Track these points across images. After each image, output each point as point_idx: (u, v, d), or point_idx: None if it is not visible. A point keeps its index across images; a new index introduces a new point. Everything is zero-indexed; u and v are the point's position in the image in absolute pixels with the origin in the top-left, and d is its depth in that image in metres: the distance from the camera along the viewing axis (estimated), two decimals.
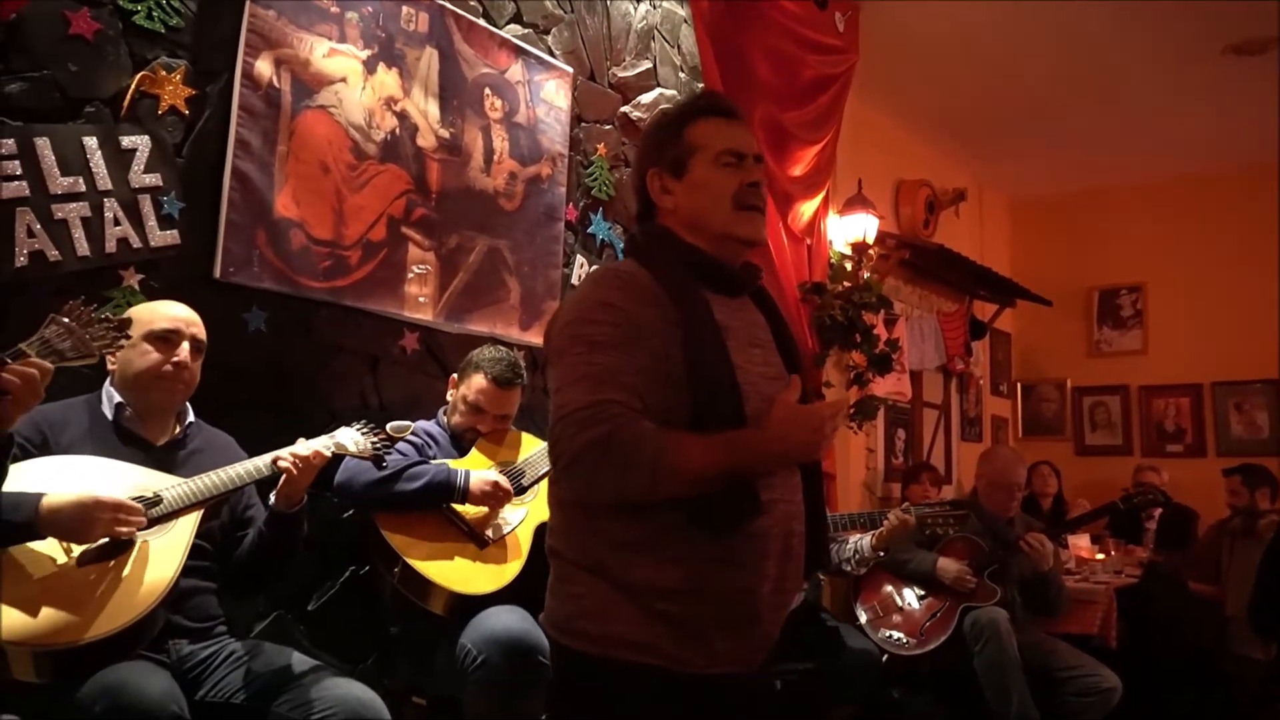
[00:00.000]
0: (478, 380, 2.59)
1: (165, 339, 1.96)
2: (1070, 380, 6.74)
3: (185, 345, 1.98)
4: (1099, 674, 3.38)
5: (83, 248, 2.18)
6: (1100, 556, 4.66)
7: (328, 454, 2.06)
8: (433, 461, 2.49)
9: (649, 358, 1.34)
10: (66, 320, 1.57)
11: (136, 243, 2.27)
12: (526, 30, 3.32)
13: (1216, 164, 6.05)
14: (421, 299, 2.91)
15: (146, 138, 2.30)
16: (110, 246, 2.23)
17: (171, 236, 2.34)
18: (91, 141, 2.21)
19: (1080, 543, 4.74)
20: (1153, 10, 4.28)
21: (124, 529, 1.70)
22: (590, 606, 1.37)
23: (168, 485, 1.86)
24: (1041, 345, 6.84)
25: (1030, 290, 6.09)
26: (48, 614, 1.63)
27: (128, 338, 1.71)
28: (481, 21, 3.14)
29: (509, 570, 2.40)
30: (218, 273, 2.41)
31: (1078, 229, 6.76)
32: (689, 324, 1.37)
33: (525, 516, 2.52)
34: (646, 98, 3.79)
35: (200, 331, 2.02)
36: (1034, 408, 6.89)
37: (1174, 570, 4.64)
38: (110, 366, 1.96)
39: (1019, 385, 6.94)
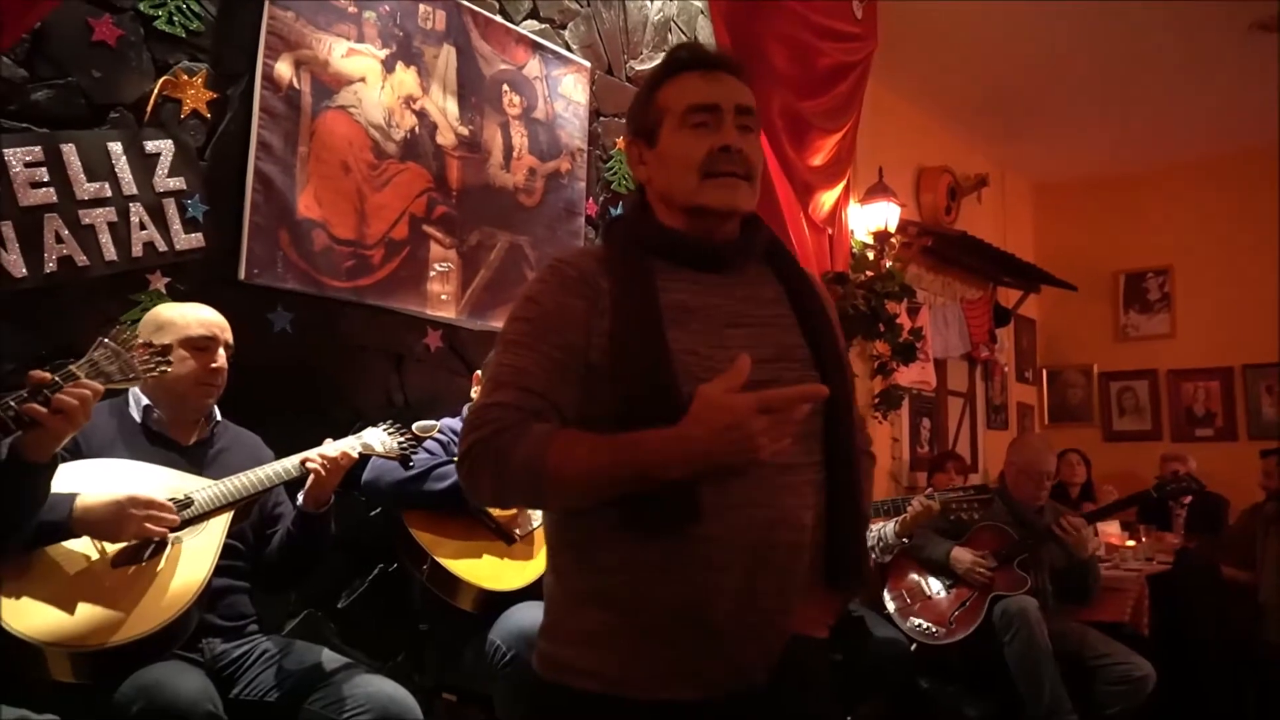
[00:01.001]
0: None
1: (202, 346, 1.98)
2: (1097, 366, 6.68)
3: (221, 352, 2.01)
4: (1131, 662, 3.35)
5: (110, 252, 2.20)
6: (1130, 543, 4.62)
7: (355, 455, 2.08)
8: None
9: (564, 353, 1.21)
10: (113, 344, 1.64)
11: (162, 246, 2.29)
12: (543, 25, 3.32)
13: (1243, 142, 5.96)
14: (444, 296, 2.92)
15: (170, 142, 2.32)
16: (137, 250, 2.25)
17: (196, 239, 2.36)
18: (116, 147, 2.23)
19: (1110, 529, 4.69)
20: None
21: (156, 528, 1.73)
22: (548, 622, 1.28)
23: (199, 487, 1.88)
24: (1067, 331, 6.77)
25: (1055, 276, 6.03)
26: (84, 615, 1.65)
27: (169, 364, 1.77)
28: (498, 18, 3.14)
29: (536, 567, 2.41)
30: (242, 274, 2.42)
31: (1102, 212, 6.69)
32: (617, 305, 1.22)
33: None
34: None
35: (230, 335, 2.05)
36: (1060, 394, 6.83)
37: (1206, 556, 4.59)
38: None
39: (1044, 372, 6.89)
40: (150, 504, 1.73)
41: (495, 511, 2.45)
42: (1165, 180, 6.42)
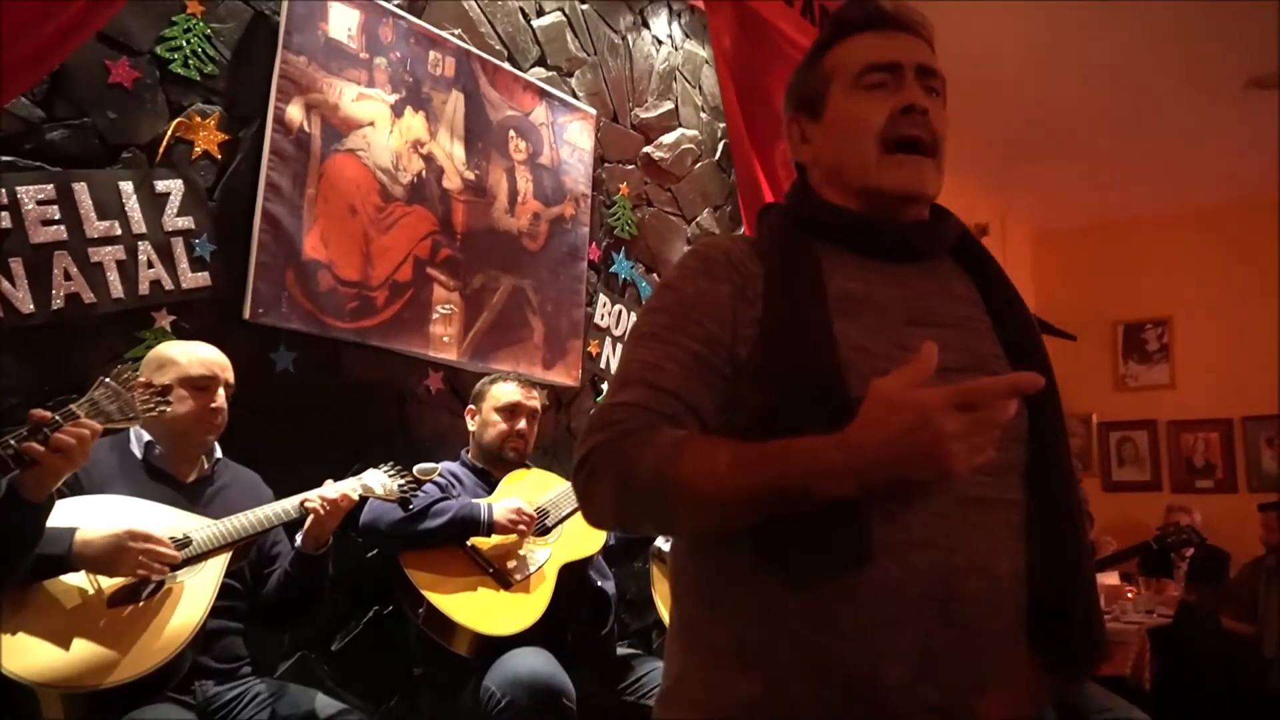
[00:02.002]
0: (499, 388, 2.70)
1: (202, 386, 1.99)
2: (1096, 415, 6.67)
3: (221, 391, 2.02)
4: (1132, 717, 3.31)
5: (117, 290, 2.22)
6: (1130, 594, 4.59)
7: (355, 497, 2.08)
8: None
9: (705, 346, 1.01)
10: (113, 383, 1.65)
11: (169, 284, 2.31)
12: (550, 73, 3.37)
13: (1242, 193, 6.01)
14: (446, 338, 2.93)
15: (180, 182, 2.35)
16: (144, 288, 2.27)
17: (203, 278, 2.37)
18: (128, 186, 2.25)
19: (1109, 580, 4.67)
20: (1172, 44, 4.30)
21: (155, 565, 1.72)
22: (669, 687, 1.05)
23: (198, 526, 1.88)
24: (1066, 379, 6.52)
25: (1054, 325, 6.05)
26: (79, 655, 1.64)
27: (169, 403, 1.79)
28: (507, 65, 3.19)
29: (533, 611, 2.40)
30: (247, 313, 2.44)
31: (1101, 261, 6.73)
32: (770, 289, 1.02)
33: (550, 556, 2.52)
34: (668, 138, 3.84)
35: (230, 374, 2.06)
36: None
37: (1208, 609, 4.56)
38: None
39: None
40: (149, 539, 1.73)
41: (492, 555, 2.44)
42: (1164, 231, 6.47)
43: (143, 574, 1.72)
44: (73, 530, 1.69)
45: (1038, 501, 1.00)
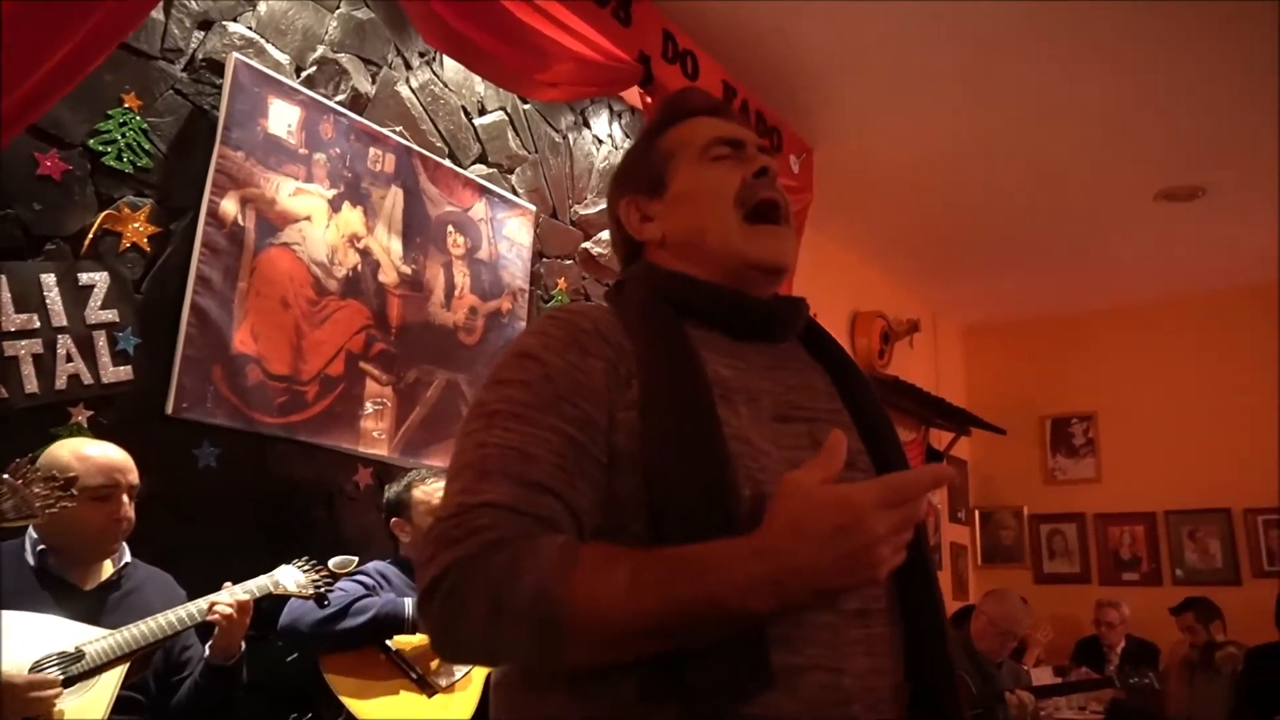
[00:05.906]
0: (428, 490, 2.54)
1: (104, 496, 1.89)
2: (1027, 508, 6.79)
3: (124, 498, 1.93)
4: None
5: (32, 384, 2.15)
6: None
7: (260, 594, 2.02)
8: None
9: (581, 430, 0.87)
10: (9, 478, 1.56)
11: (88, 379, 2.25)
12: (491, 170, 3.42)
13: (1157, 294, 6.29)
14: (377, 434, 2.89)
15: (105, 274, 2.31)
16: (60, 383, 2.20)
17: (125, 372, 2.32)
18: (49, 278, 2.21)
19: (1043, 674, 4.69)
20: (1091, 155, 4.51)
21: (39, 708, 1.62)
22: None
23: (92, 639, 1.78)
24: (998, 472, 6.90)
25: (983, 419, 6.19)
26: None
27: (73, 496, 1.69)
28: (447, 162, 3.23)
29: (460, 715, 2.32)
30: (170, 409, 2.38)
31: (1029, 357, 6.94)
32: (649, 371, 0.91)
33: None
34: (607, 234, 3.89)
35: (134, 474, 1.97)
36: (993, 535, 6.90)
37: (1142, 703, 4.60)
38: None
39: (977, 512, 6.97)
40: (30, 685, 1.62)
41: (417, 661, 2.37)
42: (1087, 328, 6.71)
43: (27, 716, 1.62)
44: None
45: (905, 604, 0.93)
